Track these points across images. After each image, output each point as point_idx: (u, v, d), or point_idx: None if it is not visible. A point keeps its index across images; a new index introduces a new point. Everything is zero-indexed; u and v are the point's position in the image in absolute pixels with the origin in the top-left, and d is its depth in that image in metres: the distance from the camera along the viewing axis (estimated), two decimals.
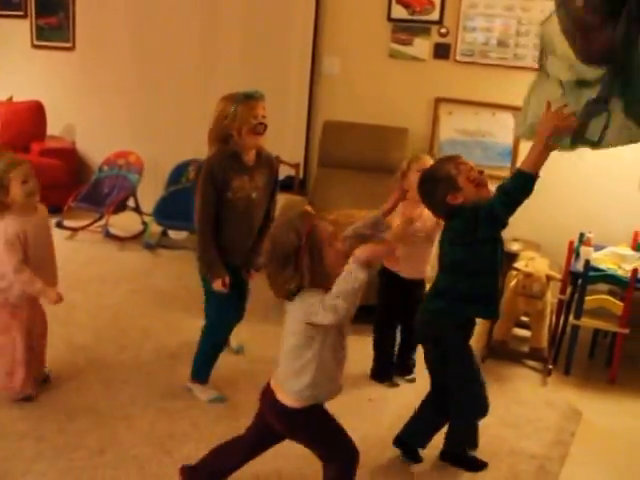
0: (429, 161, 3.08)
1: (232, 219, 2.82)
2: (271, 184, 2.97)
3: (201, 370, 3.01)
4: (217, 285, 2.77)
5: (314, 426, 2.13)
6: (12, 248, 2.69)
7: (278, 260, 1.96)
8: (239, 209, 2.81)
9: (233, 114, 2.72)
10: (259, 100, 2.77)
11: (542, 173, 2.23)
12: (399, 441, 2.68)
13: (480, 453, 2.72)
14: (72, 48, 6.03)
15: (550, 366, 3.54)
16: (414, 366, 3.32)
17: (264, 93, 2.81)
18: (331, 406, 3.01)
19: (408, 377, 3.32)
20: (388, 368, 3.31)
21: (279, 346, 2.09)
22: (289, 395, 2.07)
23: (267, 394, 2.15)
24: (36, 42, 6.21)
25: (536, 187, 2.23)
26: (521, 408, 3.14)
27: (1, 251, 2.72)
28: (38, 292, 2.77)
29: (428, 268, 3.19)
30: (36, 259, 2.78)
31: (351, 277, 1.87)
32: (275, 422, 2.15)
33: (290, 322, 2.05)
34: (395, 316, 3.28)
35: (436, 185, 2.42)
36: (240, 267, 2.94)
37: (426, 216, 2.99)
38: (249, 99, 2.75)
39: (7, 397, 2.85)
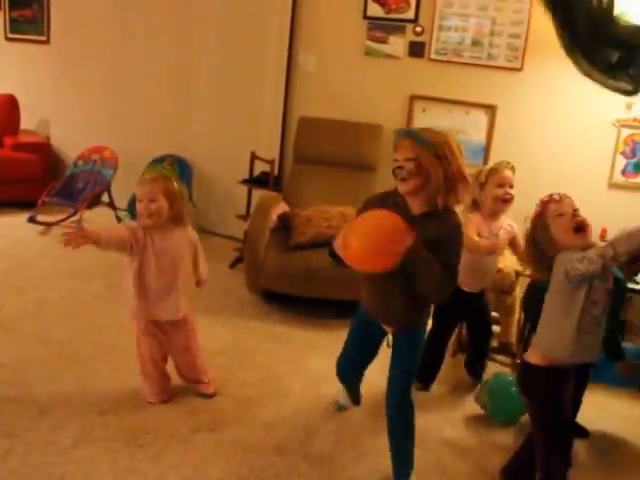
0: (507, 173, 3.06)
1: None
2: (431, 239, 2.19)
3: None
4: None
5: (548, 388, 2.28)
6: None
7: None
8: None
9: None
10: (402, 140, 2.21)
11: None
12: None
13: (448, 447, 2.79)
14: (47, 41, 5.99)
15: (518, 360, 3.58)
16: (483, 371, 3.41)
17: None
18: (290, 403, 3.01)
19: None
20: (433, 376, 3.29)
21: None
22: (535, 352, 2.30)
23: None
24: (10, 35, 6.16)
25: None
26: None
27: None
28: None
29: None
30: (160, 276, 2.73)
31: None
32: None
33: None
34: (451, 328, 3.35)
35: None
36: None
37: (502, 231, 3.14)
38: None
39: None
